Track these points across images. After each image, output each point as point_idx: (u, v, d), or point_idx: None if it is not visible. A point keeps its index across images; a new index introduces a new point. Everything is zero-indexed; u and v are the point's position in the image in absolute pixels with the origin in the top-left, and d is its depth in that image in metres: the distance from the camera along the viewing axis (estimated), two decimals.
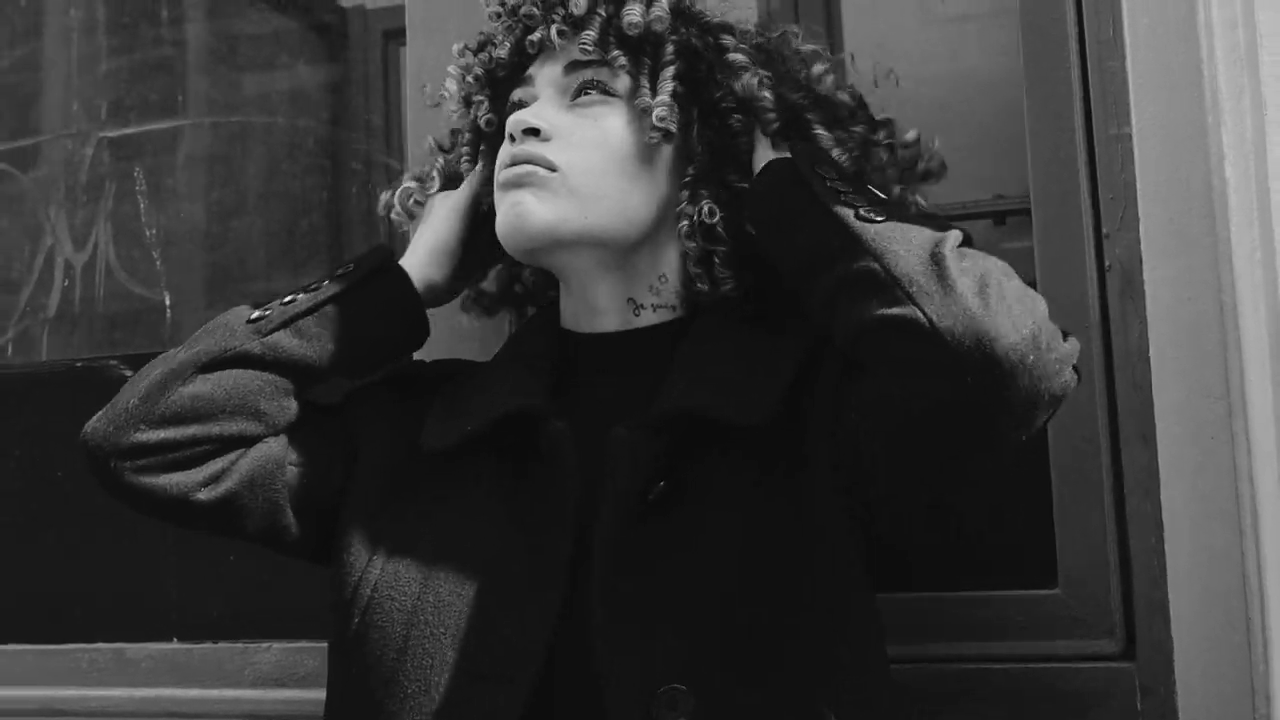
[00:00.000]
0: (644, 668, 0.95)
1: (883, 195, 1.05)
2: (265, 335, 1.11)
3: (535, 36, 1.17)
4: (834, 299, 0.97)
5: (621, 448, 1.02)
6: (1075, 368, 0.93)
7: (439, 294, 1.24)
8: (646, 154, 1.14)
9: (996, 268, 0.93)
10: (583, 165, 1.12)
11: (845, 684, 0.98)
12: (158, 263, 2.14)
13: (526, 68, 1.20)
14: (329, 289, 1.15)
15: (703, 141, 1.16)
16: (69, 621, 1.84)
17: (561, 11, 1.17)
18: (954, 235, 0.95)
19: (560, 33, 1.16)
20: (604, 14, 1.16)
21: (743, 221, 1.14)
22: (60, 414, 2.12)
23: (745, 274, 1.14)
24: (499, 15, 1.24)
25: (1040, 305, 0.92)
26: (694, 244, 1.14)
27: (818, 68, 1.19)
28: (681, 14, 1.19)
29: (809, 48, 1.21)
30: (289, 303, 1.14)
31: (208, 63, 2.22)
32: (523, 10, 1.20)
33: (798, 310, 1.12)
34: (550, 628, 0.98)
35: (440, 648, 1.00)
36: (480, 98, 1.25)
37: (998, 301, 0.88)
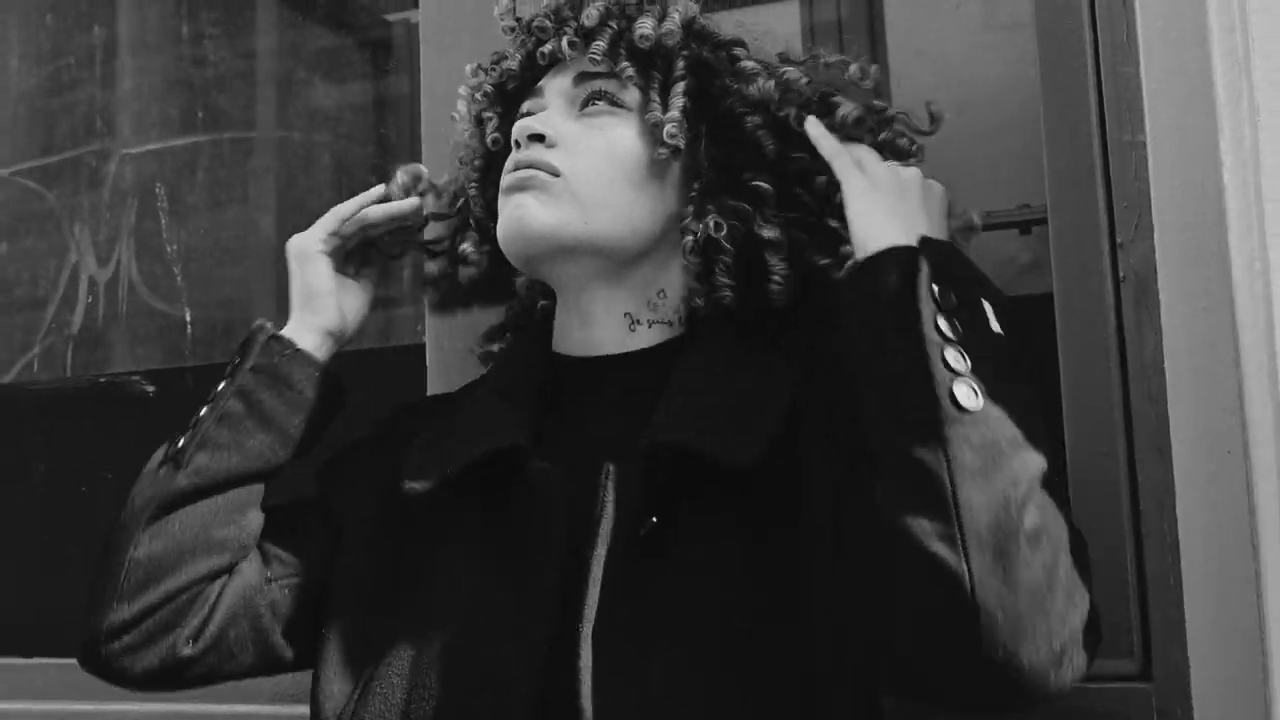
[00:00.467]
0: (631, 713, 0.93)
1: (996, 322, 0.94)
2: (185, 466, 1.10)
3: (546, 48, 1.17)
4: (885, 462, 0.88)
5: (611, 482, 1.00)
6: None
7: (337, 333, 1.23)
8: (653, 167, 1.13)
9: (1063, 543, 0.85)
10: (587, 172, 1.11)
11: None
12: (179, 278, 2.16)
13: (537, 81, 1.19)
14: (223, 390, 1.15)
15: (709, 158, 1.15)
16: None
17: (573, 24, 1.17)
18: (1033, 472, 0.86)
19: (571, 44, 1.16)
20: (615, 27, 1.16)
21: (746, 233, 1.12)
22: (84, 430, 2.14)
23: (747, 288, 1.12)
24: (512, 30, 1.24)
25: (1084, 605, 0.85)
26: (697, 259, 1.12)
27: (853, 69, 1.17)
28: (693, 31, 1.18)
29: (836, 57, 1.18)
30: (195, 423, 1.13)
31: (229, 79, 2.24)
32: (535, 23, 1.19)
33: (795, 324, 1.10)
34: (538, 674, 0.96)
35: (440, 713, 0.99)
36: (490, 114, 1.25)
37: (1047, 598, 0.81)
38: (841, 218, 1.09)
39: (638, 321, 1.14)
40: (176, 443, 1.12)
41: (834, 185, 1.10)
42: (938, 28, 2.14)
